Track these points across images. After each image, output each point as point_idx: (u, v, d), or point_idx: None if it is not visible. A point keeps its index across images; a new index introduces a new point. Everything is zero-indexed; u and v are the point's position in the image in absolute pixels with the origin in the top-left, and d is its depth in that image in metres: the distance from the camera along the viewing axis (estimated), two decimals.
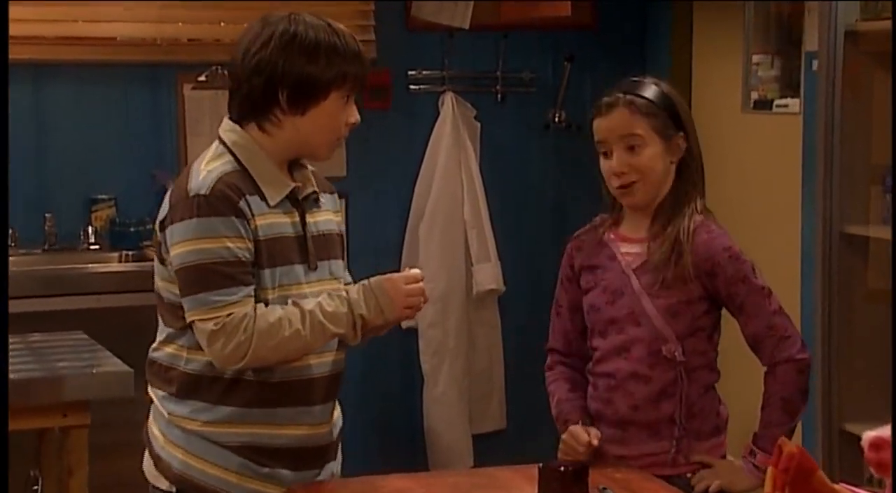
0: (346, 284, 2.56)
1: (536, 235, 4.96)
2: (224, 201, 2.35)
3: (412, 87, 4.85)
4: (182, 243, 2.37)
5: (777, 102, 4.38)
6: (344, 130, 2.47)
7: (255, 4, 4.16)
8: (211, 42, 4.61)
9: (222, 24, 4.62)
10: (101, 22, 4.51)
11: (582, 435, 2.62)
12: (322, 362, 2.48)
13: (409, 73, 4.84)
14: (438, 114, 4.81)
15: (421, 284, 2.49)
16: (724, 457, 2.70)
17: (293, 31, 2.40)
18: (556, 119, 4.95)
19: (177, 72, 4.59)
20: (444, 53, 4.84)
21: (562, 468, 2.32)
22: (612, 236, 2.70)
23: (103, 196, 4.52)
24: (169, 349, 2.47)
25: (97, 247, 4.46)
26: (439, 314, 4.73)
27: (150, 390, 2.52)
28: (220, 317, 2.34)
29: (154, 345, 2.51)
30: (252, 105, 2.43)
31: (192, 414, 2.44)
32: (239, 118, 2.46)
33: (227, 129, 2.46)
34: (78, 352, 3.35)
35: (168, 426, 2.46)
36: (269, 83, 2.39)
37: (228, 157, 2.43)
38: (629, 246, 2.67)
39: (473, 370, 4.84)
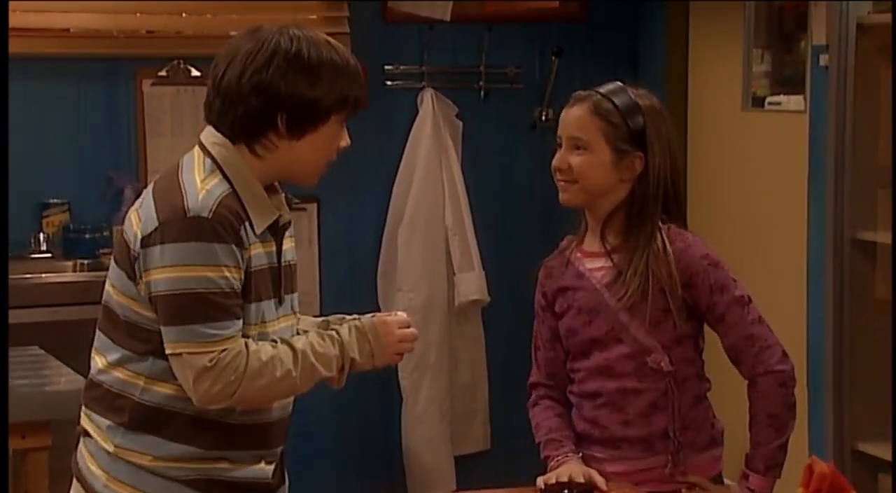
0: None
1: (522, 242, 4.97)
2: (227, 228, 2.32)
3: (389, 83, 4.85)
4: (175, 268, 2.31)
5: (769, 99, 4.40)
6: (334, 155, 2.47)
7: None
8: (172, 35, 4.61)
9: (184, 15, 4.61)
10: (54, 12, 4.50)
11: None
12: (284, 405, 2.49)
13: (386, 68, 4.84)
14: (417, 112, 4.82)
15: (413, 329, 2.52)
16: (721, 472, 2.74)
17: (296, 51, 2.37)
18: (543, 117, 4.97)
19: (135, 66, 4.59)
20: (423, 47, 4.85)
21: (565, 490, 2.33)
22: (577, 255, 2.75)
23: (55, 201, 4.52)
24: (120, 374, 2.41)
25: (49, 255, 4.45)
26: (419, 327, 4.59)
27: (87, 417, 2.46)
28: (214, 352, 2.30)
29: (100, 366, 2.44)
30: (246, 126, 2.39)
31: (142, 448, 2.40)
32: (230, 136, 2.41)
33: (216, 142, 2.41)
34: (35, 369, 3.34)
35: (112, 461, 2.41)
36: (269, 106, 2.37)
37: (221, 176, 2.38)
38: (593, 261, 2.72)
39: (455, 387, 4.85)
